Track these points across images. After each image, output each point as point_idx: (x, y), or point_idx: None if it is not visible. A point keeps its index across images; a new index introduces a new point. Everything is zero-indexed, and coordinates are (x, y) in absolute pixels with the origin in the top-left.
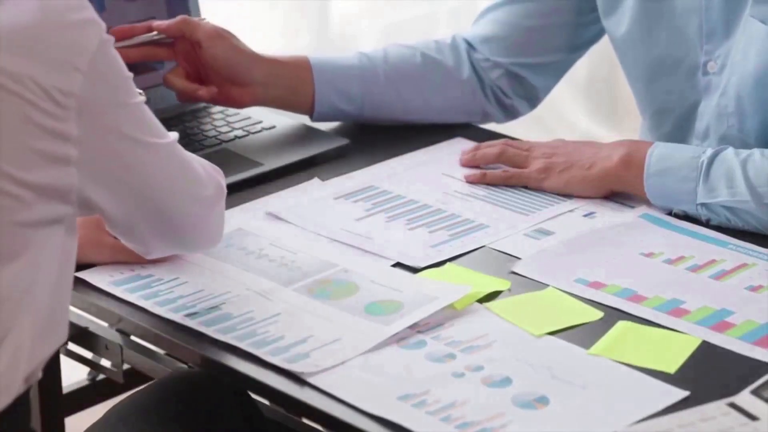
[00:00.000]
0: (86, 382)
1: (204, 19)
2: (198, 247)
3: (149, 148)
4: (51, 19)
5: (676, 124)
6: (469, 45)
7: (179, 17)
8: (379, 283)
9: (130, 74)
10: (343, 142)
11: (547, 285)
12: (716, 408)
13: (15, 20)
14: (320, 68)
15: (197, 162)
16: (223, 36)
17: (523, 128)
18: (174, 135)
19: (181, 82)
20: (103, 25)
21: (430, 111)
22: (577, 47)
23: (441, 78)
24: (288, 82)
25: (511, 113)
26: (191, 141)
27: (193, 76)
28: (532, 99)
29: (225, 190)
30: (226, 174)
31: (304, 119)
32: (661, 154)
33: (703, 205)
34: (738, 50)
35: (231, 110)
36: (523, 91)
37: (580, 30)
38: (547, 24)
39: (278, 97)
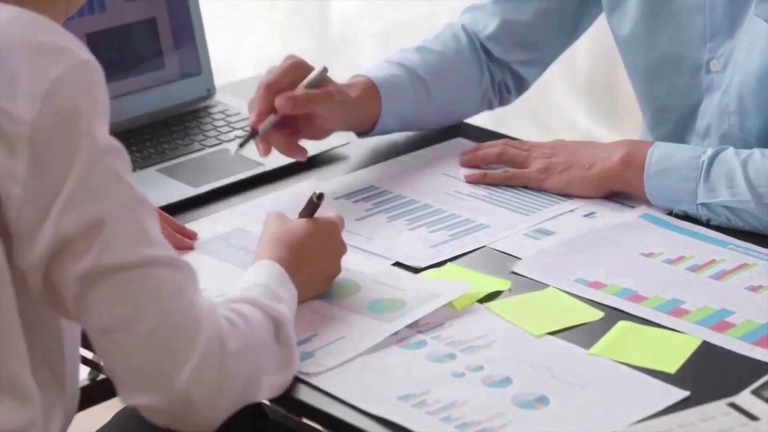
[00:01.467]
0: (86, 382)
1: (323, 72)
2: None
3: (120, 229)
4: (18, 36)
5: (678, 123)
6: (480, 42)
7: (304, 94)
8: (380, 281)
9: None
10: (343, 142)
11: (547, 285)
12: (716, 408)
13: None
14: (387, 97)
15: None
16: (335, 99)
17: (524, 128)
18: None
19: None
20: (81, 57)
21: (453, 119)
22: (575, 36)
23: (470, 89)
24: (361, 115)
25: (502, 103)
26: (191, 141)
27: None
28: (523, 89)
29: (233, 350)
30: (227, 174)
31: None
32: (661, 154)
33: (703, 205)
34: (742, 49)
35: (231, 110)
36: (518, 84)
37: (579, 21)
38: (552, 20)
39: (347, 128)
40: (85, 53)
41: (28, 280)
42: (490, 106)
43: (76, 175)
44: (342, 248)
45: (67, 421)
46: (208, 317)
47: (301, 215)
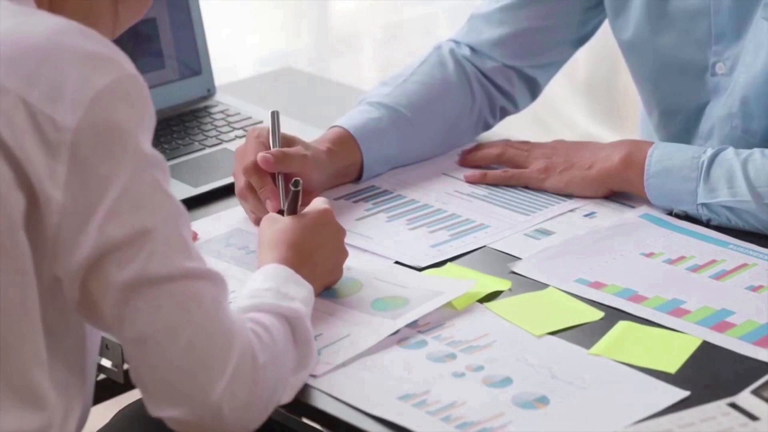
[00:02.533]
0: None
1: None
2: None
3: (165, 240)
4: (66, 43)
5: (684, 125)
6: (475, 53)
7: (278, 152)
8: (383, 279)
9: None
10: None
11: (547, 285)
12: (716, 408)
13: (24, 38)
14: (367, 145)
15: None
16: (308, 157)
17: (523, 128)
18: (213, 270)
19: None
20: (128, 71)
21: (444, 150)
22: (582, 41)
23: (459, 119)
24: (337, 167)
25: (504, 116)
26: (191, 141)
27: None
28: (537, 92)
29: (263, 363)
30: (227, 174)
31: (305, 120)
32: (661, 154)
33: (703, 205)
34: (748, 52)
35: (231, 110)
36: (529, 93)
37: (585, 25)
38: (558, 26)
39: (326, 183)
40: (131, 68)
41: (64, 287)
42: (487, 128)
43: (121, 183)
44: (341, 231)
45: (84, 418)
46: (240, 331)
47: (288, 210)
